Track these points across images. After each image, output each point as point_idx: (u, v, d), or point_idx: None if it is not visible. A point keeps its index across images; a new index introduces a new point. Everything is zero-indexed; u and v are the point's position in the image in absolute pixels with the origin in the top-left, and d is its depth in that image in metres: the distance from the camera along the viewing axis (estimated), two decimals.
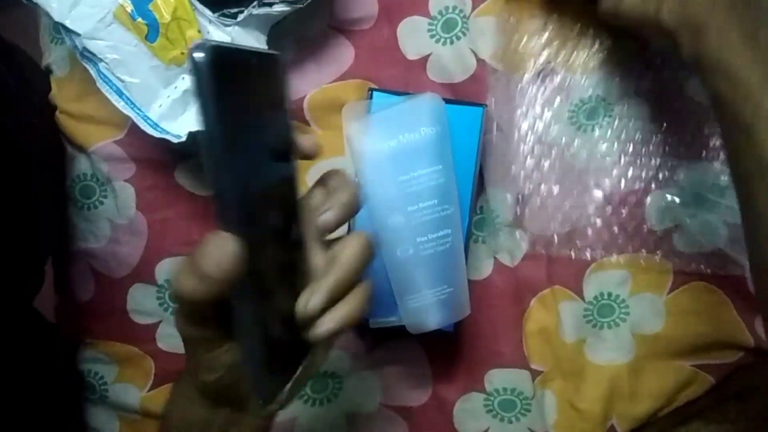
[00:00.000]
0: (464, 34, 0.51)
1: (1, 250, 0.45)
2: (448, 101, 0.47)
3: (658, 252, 0.51)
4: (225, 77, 0.25)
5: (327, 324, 0.29)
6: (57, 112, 0.53)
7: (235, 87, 0.26)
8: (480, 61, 0.51)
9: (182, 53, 0.42)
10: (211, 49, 0.24)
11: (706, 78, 0.37)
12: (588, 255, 0.52)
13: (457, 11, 0.51)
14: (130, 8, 0.42)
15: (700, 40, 0.37)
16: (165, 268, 0.53)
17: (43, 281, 0.54)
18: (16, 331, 0.48)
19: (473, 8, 0.51)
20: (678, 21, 0.38)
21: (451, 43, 0.51)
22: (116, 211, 0.53)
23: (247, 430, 0.34)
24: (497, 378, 0.52)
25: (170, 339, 0.54)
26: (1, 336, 0.45)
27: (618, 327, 0.52)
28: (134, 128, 0.50)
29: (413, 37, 0.51)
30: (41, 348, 0.54)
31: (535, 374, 0.52)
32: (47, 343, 0.56)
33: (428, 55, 0.52)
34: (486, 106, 0.49)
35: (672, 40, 0.39)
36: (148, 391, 0.54)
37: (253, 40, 0.45)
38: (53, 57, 0.53)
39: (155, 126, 0.43)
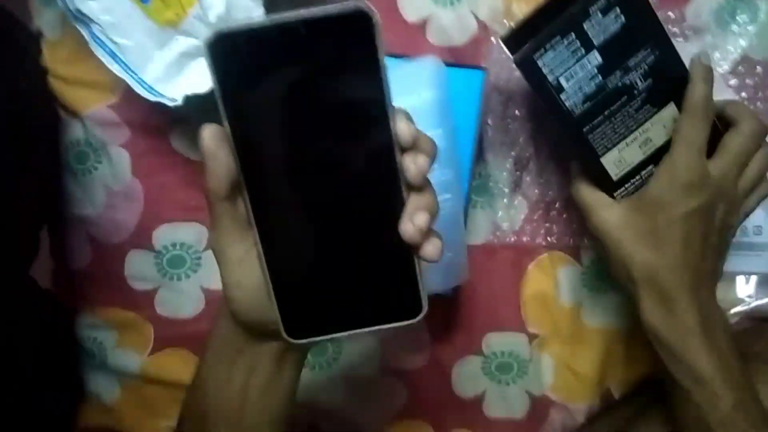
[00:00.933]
0: None
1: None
2: (448, 64, 0.46)
3: None
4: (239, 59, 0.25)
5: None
6: (49, 76, 0.52)
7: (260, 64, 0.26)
8: (480, 24, 0.50)
9: (176, 14, 0.41)
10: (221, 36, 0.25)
11: (656, 345, 0.41)
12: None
13: None
14: None
15: (661, 315, 0.40)
16: (162, 234, 0.53)
17: (38, 248, 0.54)
18: (11, 298, 0.48)
19: None
20: (645, 279, 0.41)
21: (452, 5, 0.50)
22: (111, 176, 0.52)
23: (268, 371, 0.34)
24: (495, 341, 0.53)
25: (169, 305, 0.54)
26: None
27: (616, 291, 0.52)
28: (128, 92, 0.49)
29: None
30: (37, 314, 0.54)
31: (532, 338, 0.53)
32: (43, 310, 0.56)
33: (428, 18, 0.51)
34: (486, 69, 0.48)
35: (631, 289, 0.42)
36: (148, 356, 0.55)
37: (249, 0, 0.44)
38: (44, 19, 0.51)
39: (150, 89, 0.42)
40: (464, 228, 0.46)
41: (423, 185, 0.28)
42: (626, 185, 0.43)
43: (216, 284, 0.53)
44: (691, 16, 0.50)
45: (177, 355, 0.54)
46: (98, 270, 0.54)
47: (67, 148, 0.53)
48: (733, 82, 0.51)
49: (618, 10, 0.39)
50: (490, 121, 0.51)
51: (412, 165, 0.27)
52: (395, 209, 0.28)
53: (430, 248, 0.28)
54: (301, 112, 0.27)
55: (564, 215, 0.52)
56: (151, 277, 0.54)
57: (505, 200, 0.52)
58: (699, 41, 0.50)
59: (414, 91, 0.43)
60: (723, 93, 0.48)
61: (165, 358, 0.54)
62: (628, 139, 0.42)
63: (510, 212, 0.52)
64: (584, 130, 0.41)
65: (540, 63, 0.39)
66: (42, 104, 0.52)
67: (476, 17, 0.50)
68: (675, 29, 0.50)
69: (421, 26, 0.51)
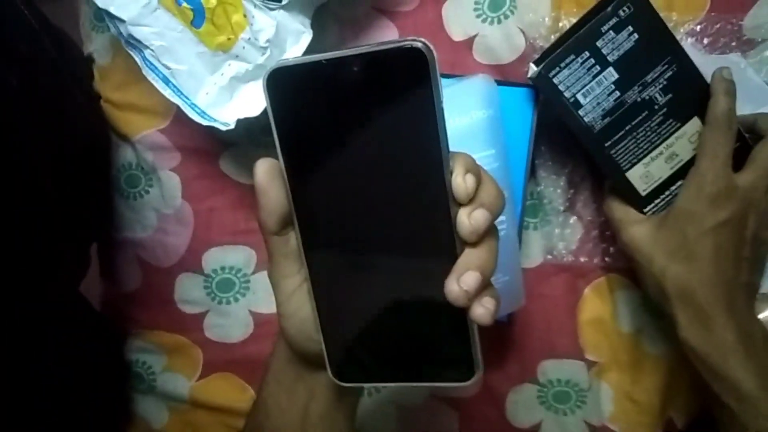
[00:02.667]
0: (512, 13, 0.49)
1: (46, 233, 0.45)
2: (499, 83, 0.45)
3: None
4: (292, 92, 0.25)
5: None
6: (101, 101, 0.53)
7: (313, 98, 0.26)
8: (530, 41, 0.49)
9: (228, 39, 0.41)
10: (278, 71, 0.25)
11: (696, 362, 0.40)
12: None
13: None
14: None
15: (698, 332, 0.39)
16: (211, 257, 0.53)
17: (89, 266, 0.54)
18: (62, 314, 0.48)
19: None
20: (678, 295, 0.40)
21: (499, 22, 0.49)
22: (162, 200, 0.52)
23: (327, 397, 0.33)
24: (551, 369, 0.51)
25: (218, 329, 0.54)
26: (48, 319, 0.45)
27: None
28: (178, 117, 0.50)
29: (459, 17, 0.50)
30: (88, 334, 0.55)
31: (590, 365, 0.50)
32: (93, 330, 0.57)
33: (474, 36, 0.50)
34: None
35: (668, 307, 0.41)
36: (197, 380, 0.54)
37: (298, 23, 0.44)
38: (95, 45, 0.53)
39: (203, 114, 0.42)
40: (519, 251, 0.44)
41: (479, 240, 0.26)
42: (656, 201, 0.43)
43: (264, 308, 0.53)
44: (749, 28, 0.48)
45: (225, 379, 0.54)
46: (148, 293, 0.55)
47: (119, 172, 0.54)
48: None
49: (631, 28, 0.41)
50: (542, 140, 0.50)
51: (466, 220, 0.25)
52: (447, 261, 0.26)
53: (480, 311, 0.25)
54: (353, 150, 0.26)
55: None
56: (200, 301, 0.53)
57: (559, 220, 0.50)
58: (756, 54, 0.48)
59: (466, 111, 0.42)
60: None
61: (213, 383, 0.54)
62: (652, 154, 0.43)
63: (565, 232, 0.50)
64: (606, 145, 0.42)
65: (556, 80, 0.41)
66: (95, 126, 0.53)
67: (525, 34, 0.49)
68: (733, 42, 0.48)
69: (468, 44, 0.50)
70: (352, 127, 0.26)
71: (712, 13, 0.47)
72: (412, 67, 0.24)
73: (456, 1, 0.50)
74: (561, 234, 0.50)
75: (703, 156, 0.39)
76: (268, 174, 0.27)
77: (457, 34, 0.50)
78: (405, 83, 0.24)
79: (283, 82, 0.25)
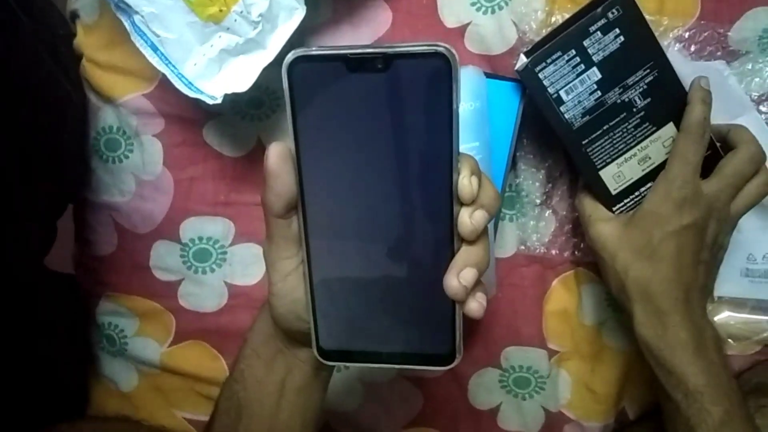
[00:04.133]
0: (507, 4, 0.49)
1: (10, 202, 0.44)
2: (488, 75, 0.45)
3: None
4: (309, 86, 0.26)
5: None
6: (83, 60, 0.52)
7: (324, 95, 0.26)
8: (520, 34, 0.49)
9: (220, 10, 0.41)
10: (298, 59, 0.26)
11: (649, 356, 0.42)
12: None
13: None
14: None
15: (654, 328, 0.41)
16: (190, 227, 0.53)
17: (54, 240, 0.54)
18: (25, 286, 0.48)
19: None
20: (638, 292, 0.42)
21: (492, 12, 0.49)
22: (142, 166, 0.52)
23: (304, 372, 0.35)
24: (514, 355, 0.53)
25: (192, 297, 0.54)
26: (8, 290, 0.45)
27: None
28: (164, 82, 0.49)
29: (453, 3, 0.50)
30: (51, 301, 0.55)
31: (551, 354, 0.52)
32: (58, 295, 0.56)
33: (467, 24, 0.50)
34: None
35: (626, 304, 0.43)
36: (168, 346, 0.55)
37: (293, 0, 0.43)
38: (81, 2, 0.51)
39: (190, 85, 0.42)
40: (494, 242, 0.46)
41: (477, 239, 0.28)
42: (625, 200, 0.45)
43: (240, 280, 0.54)
44: (735, 39, 0.49)
45: (197, 347, 0.55)
46: (123, 258, 0.54)
47: (99, 134, 0.53)
48: (765, 108, 0.50)
49: (618, 30, 0.42)
50: (523, 133, 0.50)
51: (467, 220, 0.27)
52: (444, 256, 0.28)
53: (475, 305, 0.28)
54: (367, 143, 0.27)
55: None
56: (175, 269, 0.54)
57: (535, 212, 0.51)
58: (740, 65, 0.49)
59: None
60: (750, 118, 0.47)
61: (184, 350, 0.55)
62: (626, 155, 0.44)
63: (539, 225, 0.52)
64: (583, 142, 0.44)
65: (541, 75, 0.43)
66: (68, 87, 0.51)
67: (517, 26, 0.49)
68: (718, 51, 0.49)
69: (460, 32, 0.50)
70: (367, 121, 0.27)
71: (702, 21, 0.48)
72: (434, 70, 0.25)
73: None
74: (535, 226, 0.52)
75: (674, 161, 0.41)
76: (280, 158, 0.28)
77: (451, 20, 0.50)
78: (426, 85, 0.25)
79: (303, 70, 0.26)
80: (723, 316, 0.50)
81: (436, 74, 0.25)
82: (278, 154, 0.28)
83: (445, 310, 0.29)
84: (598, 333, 0.52)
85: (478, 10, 0.50)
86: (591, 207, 0.45)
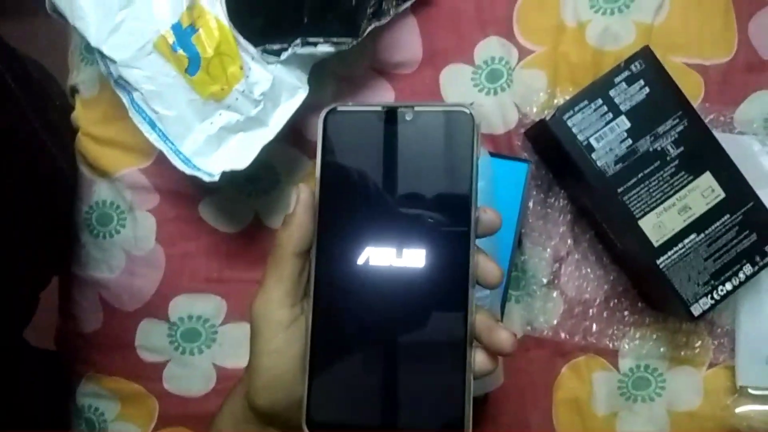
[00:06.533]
0: (508, 86, 0.49)
1: None
2: (492, 155, 0.45)
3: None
4: (338, 136, 0.28)
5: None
6: (79, 134, 0.51)
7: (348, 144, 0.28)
8: (522, 115, 0.49)
9: (222, 89, 0.40)
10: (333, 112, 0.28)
11: None
12: (627, 322, 0.49)
13: (503, 62, 0.49)
14: (172, 39, 0.40)
15: None
16: (179, 305, 0.50)
17: (34, 313, 0.51)
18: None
19: (519, 59, 0.49)
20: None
21: (495, 94, 0.50)
22: (134, 241, 0.50)
23: None
24: None
25: (177, 381, 0.51)
26: None
27: (653, 402, 0.49)
28: (161, 157, 0.48)
29: (456, 84, 0.50)
30: (30, 377, 0.51)
31: None
32: (38, 372, 0.53)
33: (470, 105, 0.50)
34: (530, 162, 0.47)
35: None
36: None
37: (294, 78, 0.43)
38: (81, 77, 0.51)
39: (187, 161, 0.40)
40: None
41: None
42: (669, 253, 0.43)
43: (230, 362, 0.51)
44: (740, 121, 0.49)
45: None
46: (107, 336, 0.52)
47: (91, 209, 0.51)
48: None
49: (642, 81, 0.43)
50: (529, 212, 0.49)
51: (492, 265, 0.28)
52: (460, 310, 0.27)
53: (505, 335, 0.28)
54: (389, 195, 0.28)
55: (604, 314, 0.49)
56: (162, 349, 0.51)
57: (542, 292, 0.49)
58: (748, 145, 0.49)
59: None
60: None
61: None
62: (665, 204, 0.43)
63: (547, 306, 0.50)
64: (619, 191, 0.43)
65: (570, 123, 0.43)
66: (61, 160, 0.51)
67: (519, 108, 0.49)
68: (725, 133, 0.49)
69: None
70: (392, 173, 0.28)
71: (706, 104, 0.48)
72: (459, 128, 0.27)
73: (454, 69, 0.50)
74: (543, 307, 0.50)
75: None
76: (305, 199, 0.28)
77: (453, 100, 0.50)
78: (450, 140, 0.27)
79: (338, 123, 0.28)
80: (745, 409, 0.47)
81: (461, 131, 0.27)
82: (305, 196, 0.28)
83: (457, 380, 0.27)
84: (610, 424, 0.49)
85: (480, 90, 0.50)
86: None
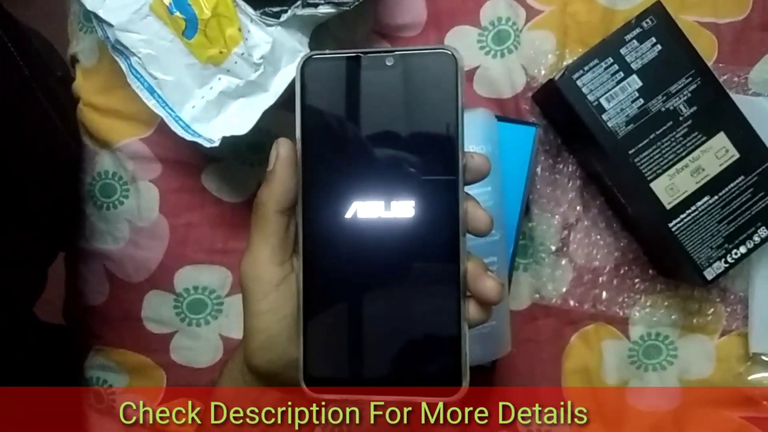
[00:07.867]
0: (516, 48, 0.48)
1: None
2: (499, 118, 0.44)
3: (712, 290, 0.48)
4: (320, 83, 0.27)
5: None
6: (80, 104, 0.50)
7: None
8: (530, 78, 0.48)
9: (220, 52, 0.39)
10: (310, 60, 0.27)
11: None
12: (637, 290, 0.48)
13: (510, 23, 0.48)
14: (168, 1, 0.39)
15: None
16: (185, 276, 0.50)
17: (44, 288, 0.51)
18: (10, 336, 0.45)
19: (527, 20, 0.48)
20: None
21: (502, 56, 0.48)
22: (137, 212, 0.50)
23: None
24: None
25: (185, 352, 0.51)
26: None
27: (664, 370, 0.48)
28: (162, 126, 0.47)
29: (462, 46, 0.48)
30: (40, 352, 0.52)
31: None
32: (48, 347, 0.54)
33: (476, 68, 0.48)
34: (538, 126, 0.45)
35: None
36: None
37: (295, 42, 0.42)
38: (80, 46, 0.50)
39: (187, 128, 0.40)
40: (508, 295, 0.43)
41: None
42: (681, 216, 0.42)
43: (237, 333, 0.50)
44: (755, 81, 0.47)
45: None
46: (114, 308, 0.51)
47: (94, 180, 0.51)
48: None
49: (654, 39, 0.41)
50: (537, 178, 0.48)
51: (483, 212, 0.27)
52: (454, 257, 0.26)
53: (491, 283, 0.27)
54: (373, 144, 0.27)
55: (614, 282, 0.48)
56: (168, 321, 0.51)
57: (551, 260, 0.48)
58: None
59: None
60: None
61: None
62: (678, 166, 0.42)
63: (555, 274, 0.49)
64: (630, 152, 0.42)
65: (579, 83, 0.42)
66: (64, 132, 0.50)
67: (526, 71, 0.48)
68: (739, 94, 0.47)
69: (469, 75, 0.49)
70: (374, 120, 0.27)
71: (720, 64, 0.46)
72: (442, 71, 0.26)
73: (459, 31, 0.48)
74: (551, 275, 0.49)
75: None
76: (286, 154, 0.27)
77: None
78: (433, 84, 0.26)
79: (316, 71, 0.27)
80: (758, 377, 0.46)
81: (444, 73, 0.26)
82: (285, 150, 0.27)
83: (453, 328, 0.26)
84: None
85: (487, 53, 0.48)
86: None
